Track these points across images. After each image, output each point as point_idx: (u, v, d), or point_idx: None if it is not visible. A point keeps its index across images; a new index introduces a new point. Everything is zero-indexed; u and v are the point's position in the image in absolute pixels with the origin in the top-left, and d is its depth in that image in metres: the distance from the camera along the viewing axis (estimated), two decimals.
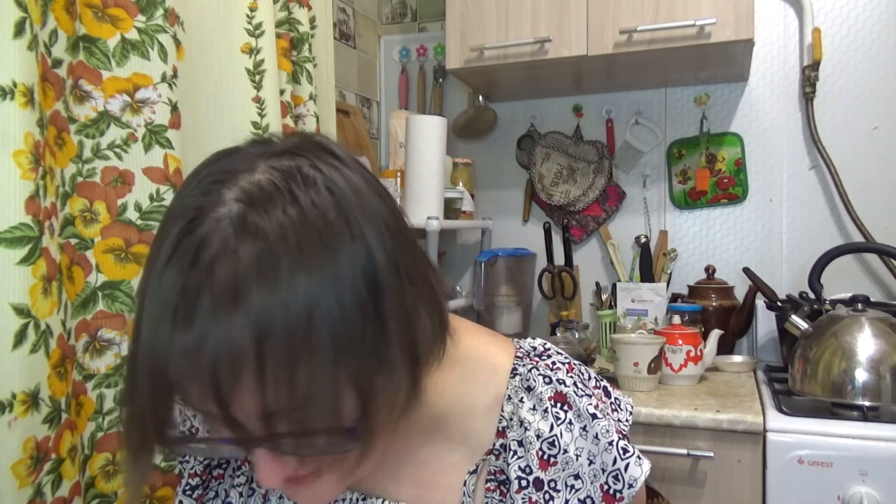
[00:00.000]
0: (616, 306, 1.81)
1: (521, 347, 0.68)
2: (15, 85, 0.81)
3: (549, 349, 0.68)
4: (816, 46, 1.75)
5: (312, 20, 1.45)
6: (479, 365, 0.64)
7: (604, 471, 0.60)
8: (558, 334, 1.75)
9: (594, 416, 0.61)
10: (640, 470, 0.60)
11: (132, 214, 1.01)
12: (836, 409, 1.27)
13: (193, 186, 0.49)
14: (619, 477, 0.60)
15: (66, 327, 0.91)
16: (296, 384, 0.44)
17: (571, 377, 0.63)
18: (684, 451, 1.26)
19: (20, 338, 0.81)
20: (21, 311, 0.81)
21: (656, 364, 1.44)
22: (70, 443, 0.90)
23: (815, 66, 1.76)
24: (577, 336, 1.76)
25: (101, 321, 0.98)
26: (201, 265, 0.44)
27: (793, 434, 1.21)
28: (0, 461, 0.80)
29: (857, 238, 1.73)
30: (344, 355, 0.45)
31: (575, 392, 0.62)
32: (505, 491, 0.62)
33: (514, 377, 0.64)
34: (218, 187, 0.47)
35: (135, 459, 0.48)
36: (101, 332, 0.98)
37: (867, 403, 1.24)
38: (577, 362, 0.67)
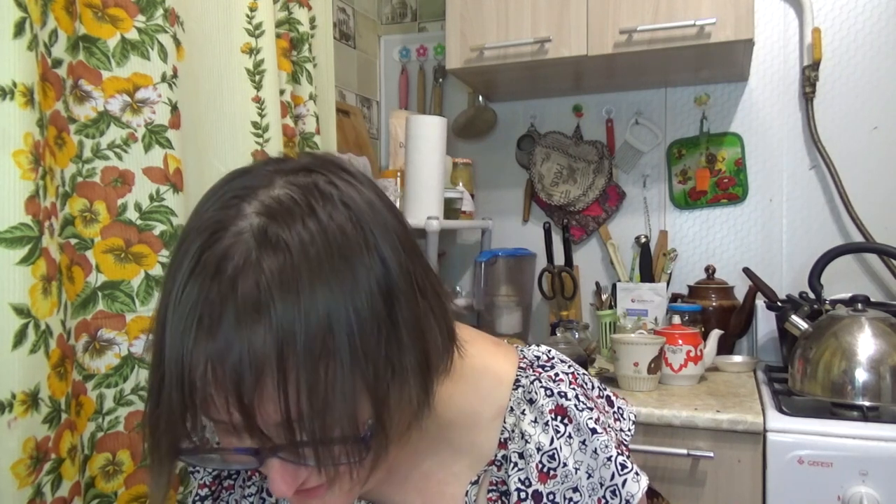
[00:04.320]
0: (616, 306, 1.81)
1: (524, 357, 0.68)
2: (15, 85, 0.81)
3: (552, 358, 0.67)
4: (816, 46, 1.75)
5: (312, 20, 1.45)
6: (483, 376, 0.64)
7: (602, 485, 0.60)
8: (558, 334, 1.75)
9: (594, 431, 0.61)
10: (637, 486, 0.60)
11: (132, 214, 1.01)
12: (836, 409, 1.28)
13: (213, 202, 0.50)
14: (617, 492, 0.60)
15: (66, 327, 0.91)
16: (315, 391, 0.45)
17: (574, 389, 0.63)
18: (684, 451, 1.26)
19: (20, 338, 0.81)
20: (21, 311, 0.81)
21: (656, 364, 1.44)
22: (70, 443, 0.90)
23: (815, 66, 1.76)
24: (577, 336, 1.76)
25: (101, 321, 0.98)
26: (224, 276, 0.45)
27: (793, 434, 1.21)
28: (0, 461, 0.80)
29: (857, 238, 1.73)
30: (361, 363, 0.47)
31: (575, 406, 0.62)
32: (506, 502, 0.62)
33: (516, 388, 0.64)
34: (238, 202, 0.49)
35: (158, 466, 0.49)
36: (101, 332, 0.98)
37: (867, 403, 1.24)
38: (581, 371, 0.67)
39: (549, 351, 0.69)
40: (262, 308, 0.45)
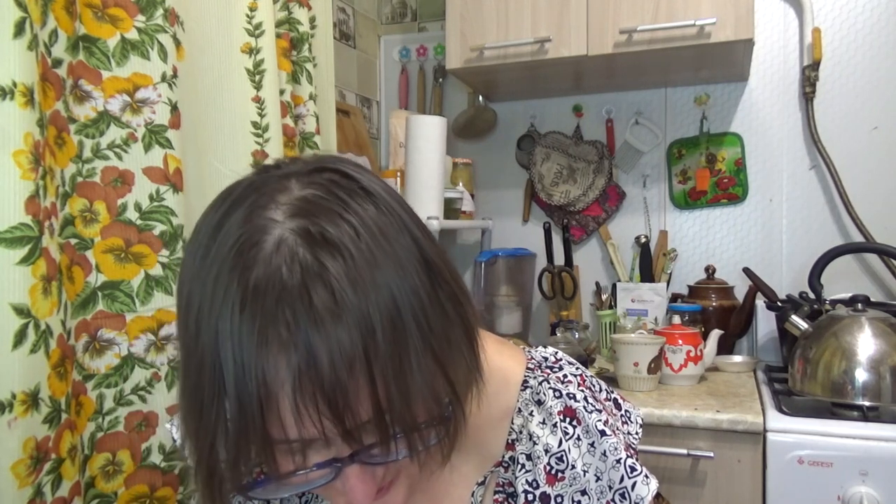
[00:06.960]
0: (616, 306, 1.81)
1: (532, 358, 0.67)
2: (15, 85, 0.81)
3: (560, 360, 0.67)
4: (816, 46, 1.75)
5: (312, 20, 1.45)
6: (490, 376, 0.63)
7: (611, 488, 0.60)
8: (558, 334, 1.75)
9: (603, 433, 0.61)
10: (646, 489, 0.60)
11: (132, 214, 1.01)
12: (836, 409, 1.28)
13: (228, 224, 0.48)
14: (626, 495, 0.60)
15: (66, 327, 0.91)
16: (401, 378, 0.46)
17: (582, 391, 0.63)
18: (684, 451, 1.26)
19: (20, 338, 0.81)
20: (21, 311, 0.81)
21: (656, 364, 1.44)
22: (70, 443, 0.90)
23: (815, 66, 1.76)
24: (577, 336, 1.76)
25: (101, 321, 0.98)
26: (290, 290, 0.44)
27: (793, 434, 1.21)
28: (0, 461, 0.80)
29: (857, 238, 1.73)
30: (428, 339, 0.48)
31: (584, 407, 0.62)
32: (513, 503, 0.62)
33: (524, 389, 0.64)
34: (261, 212, 0.47)
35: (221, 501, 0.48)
36: (101, 332, 0.98)
37: (867, 403, 1.24)
38: (588, 374, 0.67)
39: (556, 353, 0.68)
40: (339, 308, 0.44)
